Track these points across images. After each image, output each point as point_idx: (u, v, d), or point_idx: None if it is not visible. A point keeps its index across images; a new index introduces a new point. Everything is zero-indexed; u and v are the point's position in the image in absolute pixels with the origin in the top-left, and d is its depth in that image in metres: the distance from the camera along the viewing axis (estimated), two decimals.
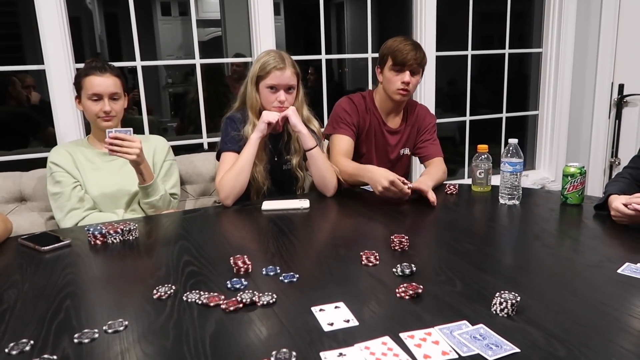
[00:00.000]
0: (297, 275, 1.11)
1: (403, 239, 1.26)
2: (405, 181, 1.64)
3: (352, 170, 1.80)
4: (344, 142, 1.89)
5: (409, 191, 1.65)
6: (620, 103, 3.02)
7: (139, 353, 0.85)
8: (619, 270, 1.11)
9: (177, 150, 2.11)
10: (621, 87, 3.00)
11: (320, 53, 2.57)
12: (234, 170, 1.68)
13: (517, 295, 0.94)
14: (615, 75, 3.00)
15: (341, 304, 0.98)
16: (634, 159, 1.61)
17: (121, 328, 0.91)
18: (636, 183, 1.54)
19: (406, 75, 1.82)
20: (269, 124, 1.69)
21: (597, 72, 3.02)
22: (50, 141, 2.17)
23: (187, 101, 3.24)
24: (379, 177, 1.65)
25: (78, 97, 1.74)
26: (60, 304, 1.02)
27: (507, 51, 3.00)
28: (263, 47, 2.34)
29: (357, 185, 1.87)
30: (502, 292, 0.96)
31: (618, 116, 3.05)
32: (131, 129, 1.58)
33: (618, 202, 1.34)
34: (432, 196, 1.63)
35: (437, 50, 2.74)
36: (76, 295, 1.07)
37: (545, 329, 0.88)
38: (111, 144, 1.55)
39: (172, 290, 1.05)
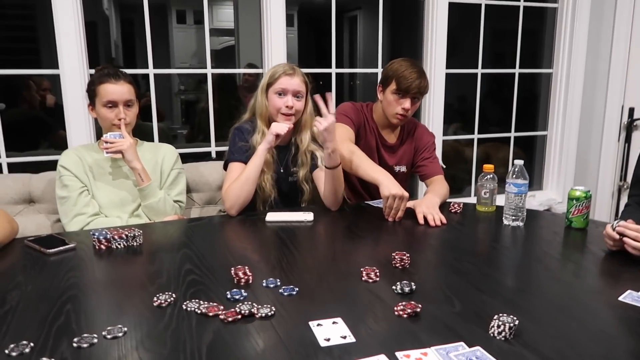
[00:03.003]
0: (297, 289, 1.12)
1: (404, 257, 1.26)
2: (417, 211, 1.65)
3: (363, 159, 1.76)
4: (347, 130, 1.87)
5: (401, 215, 1.66)
6: (630, 126, 3.01)
7: None
8: (620, 298, 1.10)
9: (186, 158, 2.14)
10: (631, 110, 2.99)
11: (331, 66, 2.59)
12: (239, 180, 1.69)
13: (515, 318, 0.94)
14: (626, 98, 3.00)
15: (339, 320, 0.98)
16: (634, 185, 1.60)
17: (120, 334, 0.92)
18: None
19: (407, 102, 1.83)
20: (277, 135, 1.70)
21: (608, 94, 3.02)
22: (60, 145, 2.21)
23: (198, 110, 3.28)
24: (395, 183, 1.65)
25: (91, 105, 1.77)
26: (62, 307, 1.03)
27: (517, 70, 3.01)
28: (274, 58, 2.37)
29: (361, 197, 1.87)
30: (501, 314, 0.95)
31: (628, 139, 3.04)
32: (121, 132, 1.73)
33: (608, 226, 1.33)
34: (432, 222, 1.62)
35: (448, 67, 2.76)
36: (78, 299, 1.08)
37: (542, 355, 0.87)
38: (105, 146, 1.69)
39: (172, 299, 1.06)
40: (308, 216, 1.66)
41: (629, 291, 1.12)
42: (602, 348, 0.91)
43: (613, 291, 1.13)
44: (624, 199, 3.05)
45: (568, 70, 3.00)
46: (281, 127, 1.71)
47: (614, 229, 1.31)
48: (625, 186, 3.06)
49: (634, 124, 2.99)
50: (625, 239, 1.29)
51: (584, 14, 2.92)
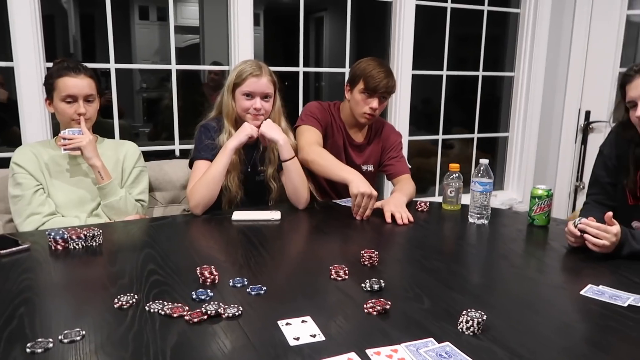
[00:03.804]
0: (265, 288, 1.10)
1: (373, 254, 1.26)
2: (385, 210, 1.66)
3: (330, 161, 1.76)
4: (314, 132, 1.86)
5: (369, 214, 1.66)
6: (586, 129, 3.12)
7: None
8: (581, 292, 1.13)
9: (149, 156, 2.08)
10: (588, 113, 3.10)
11: (298, 65, 2.58)
12: (205, 178, 1.65)
13: (483, 314, 0.95)
14: (583, 102, 3.11)
15: (308, 318, 0.97)
16: (593, 184, 1.66)
17: (78, 338, 0.87)
18: (605, 207, 1.57)
19: (375, 102, 1.84)
20: (251, 137, 1.68)
21: (566, 98, 3.12)
22: (14, 141, 2.10)
23: (162, 107, 3.20)
24: (364, 182, 1.65)
25: (49, 99, 1.69)
26: (14, 311, 0.97)
27: (480, 73, 3.08)
28: (241, 56, 2.33)
29: (330, 197, 1.86)
30: (469, 310, 0.96)
31: (584, 141, 3.15)
32: (80, 129, 1.66)
33: (570, 223, 1.37)
34: (399, 220, 1.63)
35: (414, 68, 2.79)
36: (32, 303, 1.02)
37: (509, 349, 0.88)
38: (63, 143, 1.64)
39: (134, 300, 1.02)
40: (275, 215, 1.64)
41: (589, 285, 1.15)
42: (566, 340, 0.93)
43: (575, 286, 1.16)
44: (581, 198, 3.16)
45: (529, 74, 3.09)
46: (255, 129, 1.69)
47: (575, 226, 1.35)
48: (581, 186, 3.17)
49: (590, 126, 3.10)
50: (586, 235, 1.33)
51: (544, 19, 3.02)
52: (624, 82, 1.45)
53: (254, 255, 1.33)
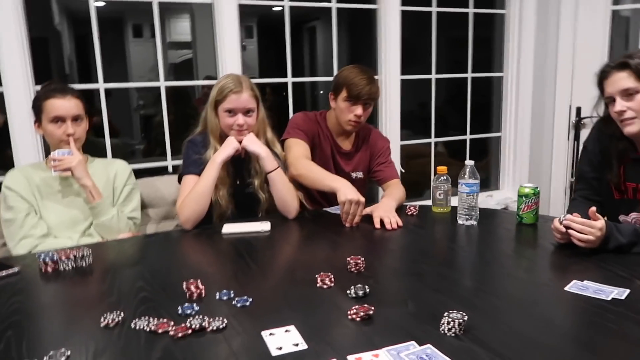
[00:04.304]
0: (251, 299, 1.11)
1: (359, 260, 1.27)
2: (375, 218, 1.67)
3: (319, 173, 1.79)
4: (301, 146, 1.88)
5: (358, 221, 1.67)
6: (578, 125, 3.12)
7: None
8: (566, 288, 1.13)
9: (142, 173, 2.09)
10: (579, 109, 3.11)
11: (293, 75, 2.60)
12: (194, 193, 1.67)
13: (464, 314, 0.96)
14: (573, 98, 3.12)
15: (292, 328, 0.97)
16: (579, 180, 1.67)
17: (62, 358, 0.88)
18: (592, 202, 1.58)
19: (359, 109, 1.85)
20: (237, 150, 1.71)
21: (556, 95, 3.13)
22: (7, 165, 2.12)
23: (154, 124, 3.22)
24: (352, 189, 1.67)
25: (38, 121, 1.72)
26: (1, 335, 0.98)
27: (469, 75, 3.10)
28: (229, 70, 2.35)
29: (320, 204, 1.87)
30: (450, 311, 0.97)
31: (577, 137, 3.15)
32: (70, 150, 1.68)
33: (555, 220, 1.38)
34: (388, 225, 1.63)
35: (408, 73, 2.81)
36: (20, 325, 1.03)
37: (491, 349, 0.89)
38: (53, 165, 1.64)
39: (120, 317, 1.03)
40: (265, 226, 1.65)
41: (574, 281, 1.16)
42: (548, 337, 0.93)
43: (560, 282, 1.17)
44: None
45: (518, 74, 3.11)
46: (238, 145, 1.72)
47: (561, 223, 1.36)
48: None
49: (582, 122, 3.11)
50: (571, 231, 1.33)
51: (530, 19, 3.04)
52: (601, 79, 1.46)
53: (241, 267, 1.34)
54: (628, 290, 1.09)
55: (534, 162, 3.24)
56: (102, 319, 1.02)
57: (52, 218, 1.68)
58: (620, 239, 1.32)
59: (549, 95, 3.17)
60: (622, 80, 1.40)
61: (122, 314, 1.04)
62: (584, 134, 3.12)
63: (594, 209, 1.33)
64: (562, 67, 3.09)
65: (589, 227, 1.31)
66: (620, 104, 1.40)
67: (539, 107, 3.18)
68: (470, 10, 3.01)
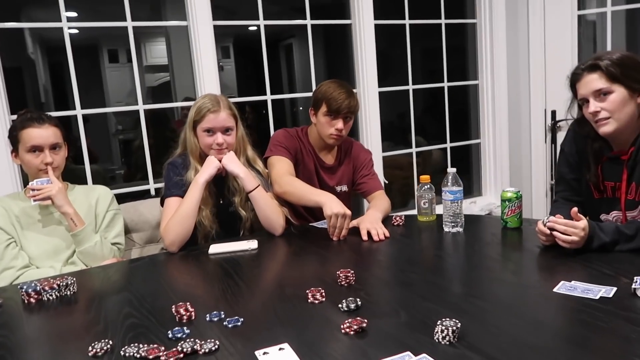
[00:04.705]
0: (242, 319, 1.09)
1: (349, 274, 1.26)
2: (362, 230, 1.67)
3: (303, 188, 1.79)
4: (284, 163, 1.88)
5: (345, 234, 1.67)
6: (554, 128, 3.19)
7: None
8: (554, 289, 1.14)
9: (125, 198, 2.06)
10: (554, 113, 3.18)
11: (272, 92, 2.61)
12: (178, 216, 1.65)
13: (457, 321, 0.96)
14: (548, 102, 3.19)
15: (286, 345, 0.96)
16: (559, 182, 1.70)
17: None
18: (573, 203, 1.60)
19: (340, 123, 1.87)
20: (219, 169, 1.70)
21: (531, 100, 3.20)
22: None
23: (133, 148, 3.19)
24: (338, 203, 1.67)
25: (15, 151, 1.69)
26: None
27: (445, 84, 3.15)
28: (208, 91, 2.35)
29: (306, 219, 1.87)
30: (444, 319, 0.97)
31: (554, 140, 3.22)
32: (49, 178, 1.65)
33: (539, 222, 1.40)
34: (375, 236, 1.64)
35: (386, 85, 2.85)
36: None
37: (485, 353, 0.89)
38: (32, 194, 1.62)
39: (108, 346, 1.00)
40: (252, 244, 1.63)
41: (562, 282, 1.17)
42: (541, 339, 0.94)
43: (548, 284, 1.18)
44: None
45: (492, 81, 3.18)
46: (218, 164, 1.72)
47: (544, 225, 1.38)
48: None
49: (558, 125, 3.18)
50: (555, 233, 1.35)
51: (500, 27, 3.12)
52: (573, 81, 1.50)
53: (230, 286, 1.32)
54: (615, 288, 1.11)
55: (514, 166, 3.29)
56: (90, 348, 0.99)
57: (32, 248, 1.65)
58: (603, 237, 1.34)
59: (524, 100, 3.23)
60: (594, 81, 1.44)
61: (110, 342, 1.02)
62: (561, 136, 3.19)
63: (575, 209, 1.35)
64: (534, 72, 3.16)
65: (573, 228, 1.33)
66: (594, 105, 1.44)
67: (516, 112, 3.25)
68: (442, 21, 3.08)
